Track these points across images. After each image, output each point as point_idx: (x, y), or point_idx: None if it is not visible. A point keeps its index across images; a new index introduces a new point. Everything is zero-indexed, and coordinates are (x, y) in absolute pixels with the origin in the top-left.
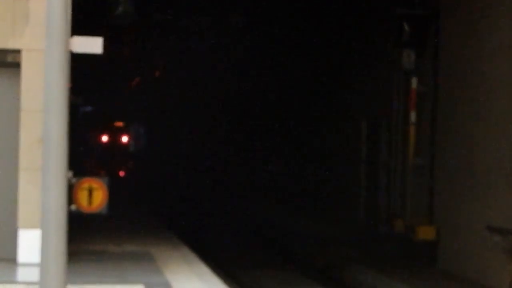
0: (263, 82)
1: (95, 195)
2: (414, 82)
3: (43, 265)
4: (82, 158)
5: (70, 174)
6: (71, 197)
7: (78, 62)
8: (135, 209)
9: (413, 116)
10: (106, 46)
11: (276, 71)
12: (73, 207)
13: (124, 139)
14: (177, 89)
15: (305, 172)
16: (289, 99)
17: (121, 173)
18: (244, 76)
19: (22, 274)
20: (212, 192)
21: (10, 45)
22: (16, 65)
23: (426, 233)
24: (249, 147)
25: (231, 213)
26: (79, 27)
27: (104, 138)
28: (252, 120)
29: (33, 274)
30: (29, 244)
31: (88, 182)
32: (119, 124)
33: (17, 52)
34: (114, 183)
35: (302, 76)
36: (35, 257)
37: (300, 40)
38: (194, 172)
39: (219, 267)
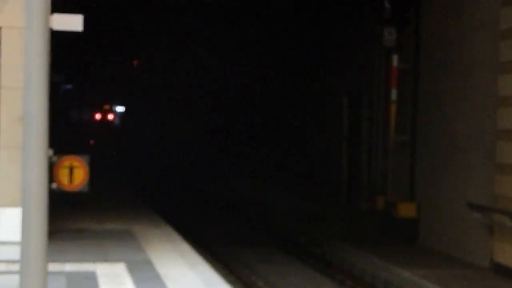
0: (243, 60)
1: (76, 173)
2: (395, 59)
3: (24, 244)
4: (81, 129)
5: (51, 152)
6: (52, 175)
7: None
8: (117, 184)
9: (393, 94)
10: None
11: (257, 48)
12: (54, 185)
13: (110, 116)
14: (159, 71)
15: (288, 150)
16: (270, 77)
17: (108, 141)
18: (224, 55)
19: (3, 252)
20: (193, 168)
21: None
22: None
23: (407, 210)
24: (230, 124)
25: (213, 190)
26: (60, 4)
27: (97, 116)
28: (234, 98)
29: (13, 253)
30: (10, 223)
31: (69, 160)
32: (107, 106)
33: None
34: (102, 147)
35: (284, 53)
36: (16, 236)
37: (282, 18)
38: (175, 148)
39: (200, 245)
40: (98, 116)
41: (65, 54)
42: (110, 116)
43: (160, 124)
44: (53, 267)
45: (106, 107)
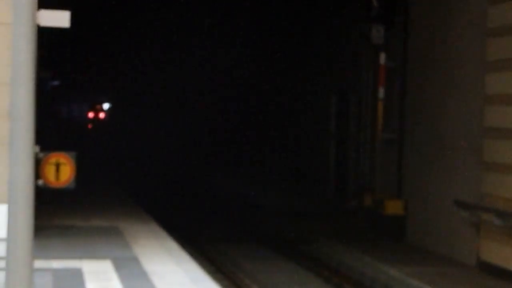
0: (231, 56)
1: (63, 170)
2: (382, 57)
3: (10, 240)
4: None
5: (37, 148)
6: (38, 172)
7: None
8: (104, 180)
9: (381, 92)
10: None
11: (244, 47)
12: (40, 182)
13: (102, 115)
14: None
15: (277, 148)
16: (259, 76)
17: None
18: (212, 52)
19: None
20: (181, 166)
21: None
22: None
23: (394, 207)
24: (219, 123)
25: (202, 188)
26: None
27: (90, 114)
28: (222, 97)
29: None
30: None
31: (56, 157)
32: (99, 106)
33: None
34: (94, 141)
35: (272, 52)
36: (2, 232)
37: (270, 16)
38: (162, 143)
39: (187, 242)
40: (90, 114)
41: (59, 51)
42: (102, 115)
43: (150, 124)
44: (39, 263)
45: (99, 106)
